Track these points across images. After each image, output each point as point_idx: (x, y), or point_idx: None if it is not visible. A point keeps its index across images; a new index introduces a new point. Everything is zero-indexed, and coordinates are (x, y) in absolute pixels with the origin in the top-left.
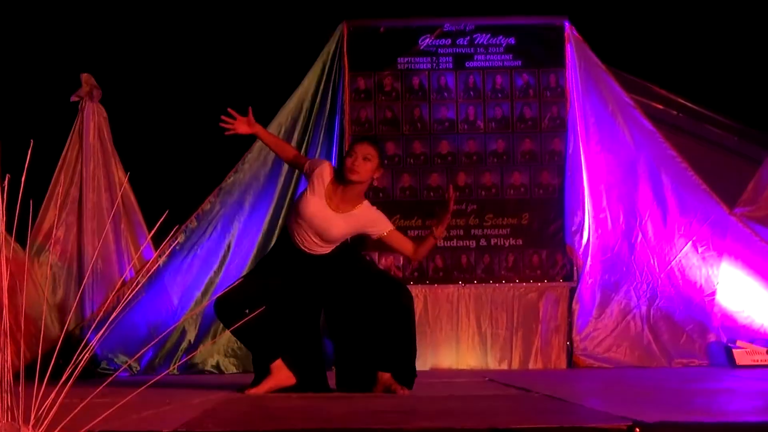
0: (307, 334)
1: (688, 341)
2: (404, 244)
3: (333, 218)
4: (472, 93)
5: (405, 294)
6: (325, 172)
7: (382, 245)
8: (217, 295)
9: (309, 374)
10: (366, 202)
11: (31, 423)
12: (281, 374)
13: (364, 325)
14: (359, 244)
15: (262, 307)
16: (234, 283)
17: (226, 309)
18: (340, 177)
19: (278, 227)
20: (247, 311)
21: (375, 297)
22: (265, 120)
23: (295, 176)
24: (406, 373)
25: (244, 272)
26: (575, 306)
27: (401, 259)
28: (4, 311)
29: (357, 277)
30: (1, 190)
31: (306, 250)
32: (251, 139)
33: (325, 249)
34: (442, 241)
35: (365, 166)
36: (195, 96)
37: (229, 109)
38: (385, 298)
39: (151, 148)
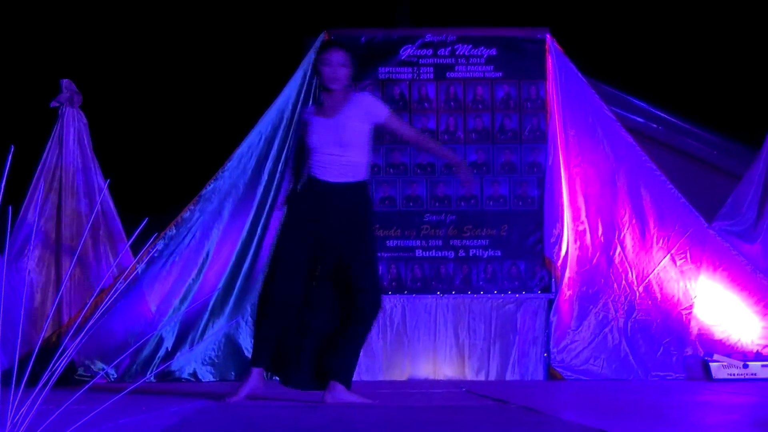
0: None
1: (666, 354)
2: (405, 129)
3: (339, 120)
4: (452, 103)
5: (375, 305)
6: (303, 114)
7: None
8: (266, 291)
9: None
10: (356, 92)
11: (7, 429)
12: (257, 382)
13: (329, 320)
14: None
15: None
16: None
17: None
18: (324, 90)
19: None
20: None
21: (349, 293)
22: (245, 128)
23: (274, 185)
24: (347, 376)
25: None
26: (553, 318)
27: (379, 268)
28: None
29: (350, 260)
30: None
31: (330, 179)
32: (231, 147)
33: (349, 156)
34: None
35: (342, 71)
36: (175, 103)
37: None
38: (355, 300)
39: (130, 154)
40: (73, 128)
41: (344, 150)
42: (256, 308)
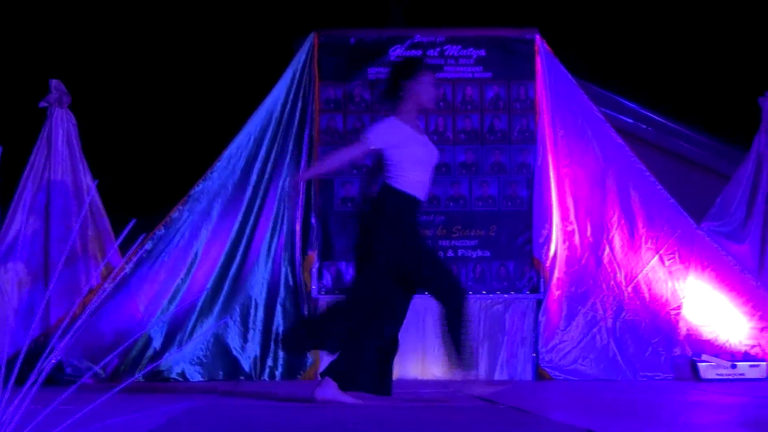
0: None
1: (654, 354)
2: None
3: (428, 139)
4: (441, 104)
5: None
6: (395, 126)
7: None
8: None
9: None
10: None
11: None
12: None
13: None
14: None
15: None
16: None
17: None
18: (412, 109)
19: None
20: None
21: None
22: (234, 128)
23: (263, 186)
24: (346, 377)
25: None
26: (541, 318)
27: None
28: None
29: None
30: None
31: (420, 196)
32: (220, 147)
33: (431, 175)
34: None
35: (435, 92)
36: (164, 104)
37: None
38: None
39: (119, 155)
40: (61, 129)
41: (432, 169)
42: (354, 321)
